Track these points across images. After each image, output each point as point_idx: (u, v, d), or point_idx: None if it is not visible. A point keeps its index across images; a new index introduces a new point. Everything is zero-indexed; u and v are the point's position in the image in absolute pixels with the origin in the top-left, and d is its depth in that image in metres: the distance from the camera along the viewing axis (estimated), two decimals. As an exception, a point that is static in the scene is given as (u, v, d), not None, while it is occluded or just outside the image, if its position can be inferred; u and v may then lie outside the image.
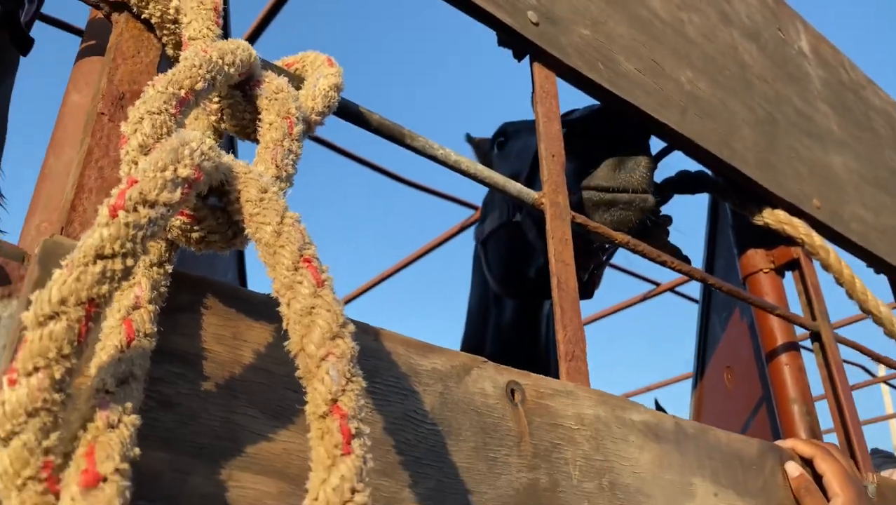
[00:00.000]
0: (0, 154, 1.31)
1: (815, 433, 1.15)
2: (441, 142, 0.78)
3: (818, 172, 1.37)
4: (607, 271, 1.51)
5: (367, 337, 0.57)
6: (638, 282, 3.60)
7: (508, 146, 1.53)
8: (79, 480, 0.35)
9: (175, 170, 0.39)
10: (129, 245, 0.37)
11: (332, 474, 0.37)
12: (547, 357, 1.59)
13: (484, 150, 1.72)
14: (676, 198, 1.38)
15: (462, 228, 2.86)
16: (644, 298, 3.67)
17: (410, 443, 0.55)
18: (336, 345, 0.39)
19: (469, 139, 1.76)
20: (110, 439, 0.37)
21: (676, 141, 1.11)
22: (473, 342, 1.68)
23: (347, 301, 3.32)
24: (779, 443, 0.93)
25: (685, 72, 1.16)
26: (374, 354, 0.56)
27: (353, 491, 0.37)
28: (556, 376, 0.79)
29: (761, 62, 1.39)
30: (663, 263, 0.96)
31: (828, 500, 0.88)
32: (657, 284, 3.56)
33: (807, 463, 0.93)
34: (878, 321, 1.26)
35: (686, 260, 1.30)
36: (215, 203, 0.47)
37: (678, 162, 1.84)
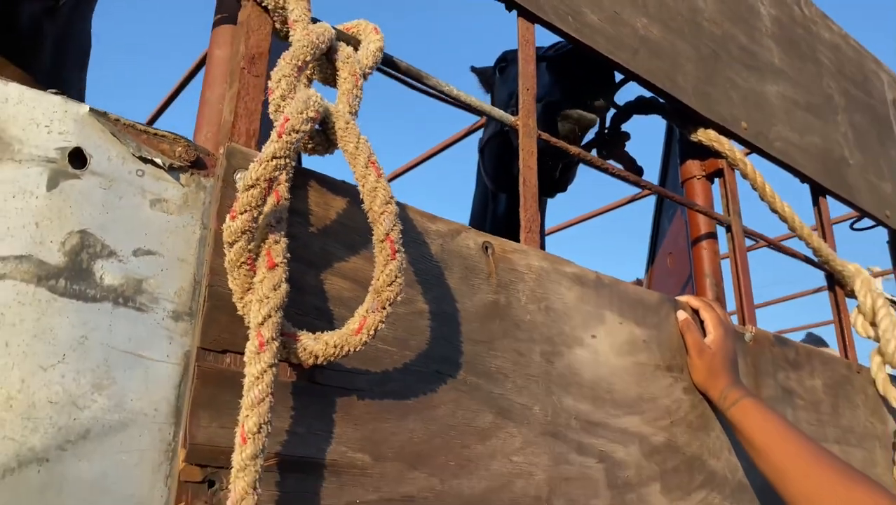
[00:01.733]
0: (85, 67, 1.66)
1: (719, 299, 1.55)
2: (439, 76, 1.14)
3: (751, 99, 1.71)
4: (608, 178, 1.89)
5: (399, 207, 0.95)
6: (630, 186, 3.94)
7: (508, 70, 1.87)
8: (265, 265, 0.74)
9: (307, 112, 0.76)
10: (286, 152, 0.74)
11: (385, 268, 0.76)
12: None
13: (487, 75, 2.05)
14: (649, 117, 1.74)
15: (469, 132, 3.19)
16: (632, 200, 4.02)
17: (423, 271, 0.94)
18: (389, 206, 0.77)
19: (473, 69, 2.09)
20: (278, 245, 0.75)
21: (629, 75, 1.45)
22: (473, 226, 2.07)
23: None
24: (677, 298, 1.33)
25: (640, 19, 1.48)
26: (401, 218, 0.94)
27: (397, 277, 0.76)
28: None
29: (713, 5, 1.70)
30: (604, 171, 1.33)
31: (704, 337, 1.29)
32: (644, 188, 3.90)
33: (696, 314, 1.33)
34: (782, 218, 1.64)
35: (639, 169, 1.67)
36: (318, 128, 0.83)
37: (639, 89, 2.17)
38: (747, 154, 1.79)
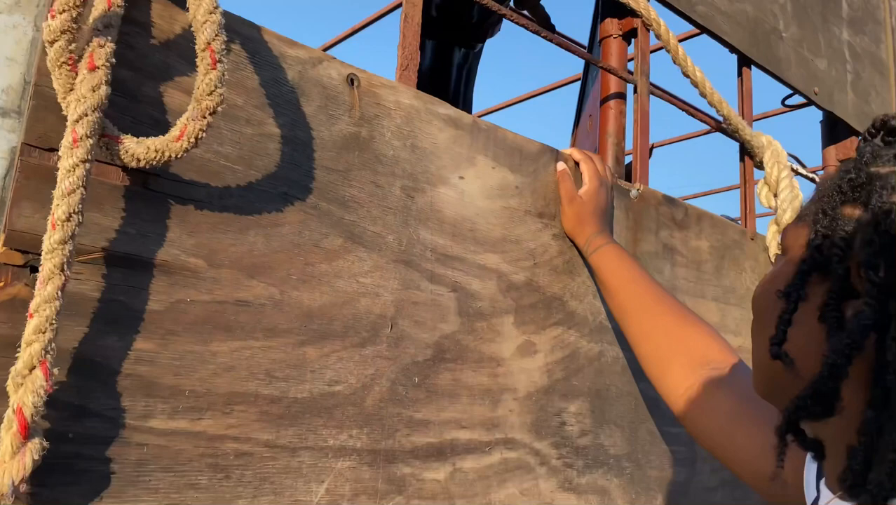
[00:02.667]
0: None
1: (618, 159, 1.59)
2: None
3: (679, -42, 1.67)
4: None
5: (253, 29, 0.96)
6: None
7: None
8: (86, 66, 0.76)
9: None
10: (105, -47, 0.75)
11: (206, 77, 0.78)
12: (455, 101, 2.00)
13: None
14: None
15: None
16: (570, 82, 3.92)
17: (276, 95, 0.97)
18: (212, 16, 0.79)
19: None
20: (102, 49, 0.77)
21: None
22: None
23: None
24: (561, 150, 1.36)
25: None
26: (256, 41, 0.96)
27: (217, 87, 0.79)
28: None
29: None
30: (504, 16, 1.32)
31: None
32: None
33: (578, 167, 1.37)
34: (693, 83, 1.65)
35: (552, 27, 1.66)
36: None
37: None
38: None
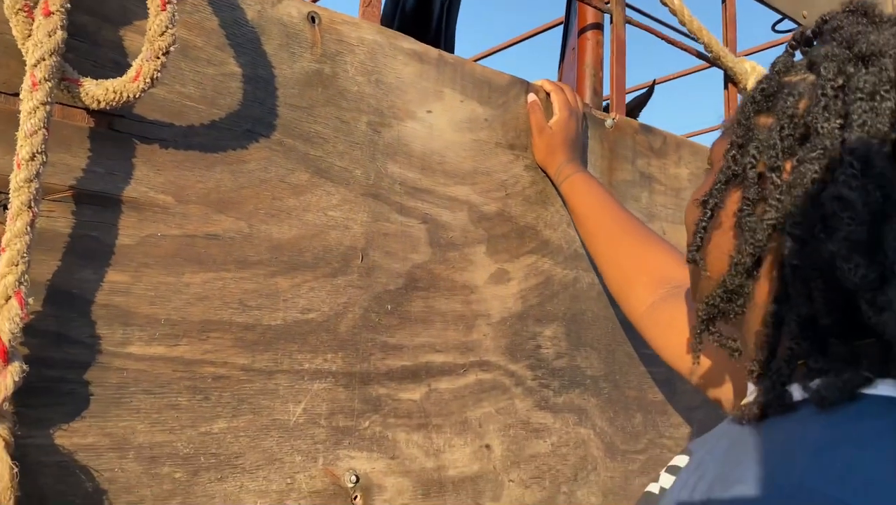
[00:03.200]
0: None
1: (596, 91, 1.60)
2: None
3: None
4: None
5: (209, -29, 0.98)
6: None
7: None
8: (42, 12, 0.80)
9: None
10: None
11: (156, 19, 0.81)
12: (436, 42, 2.00)
13: None
14: None
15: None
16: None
17: (236, 35, 0.99)
18: (158, -42, 0.81)
19: None
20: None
21: None
22: (385, 24, 2.08)
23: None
24: (532, 82, 1.38)
25: None
26: (213, -18, 0.98)
27: (168, 27, 0.82)
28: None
29: None
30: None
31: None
32: None
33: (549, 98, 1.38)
34: (672, 11, 1.64)
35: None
36: None
37: None
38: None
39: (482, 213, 1.25)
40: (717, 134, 0.77)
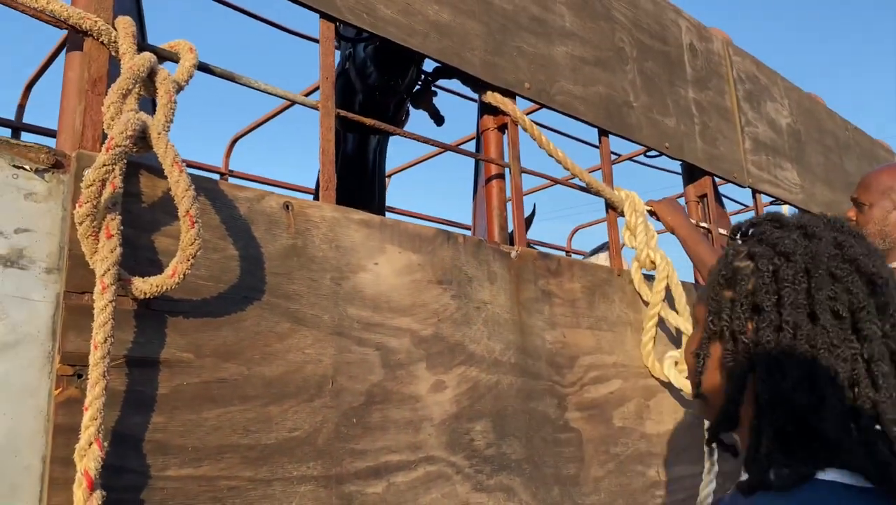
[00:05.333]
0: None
1: (501, 227, 2.01)
2: (262, 73, 1.50)
3: (537, 62, 2.11)
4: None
5: (213, 183, 1.34)
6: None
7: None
8: (105, 235, 1.13)
9: (126, 132, 1.13)
10: (113, 161, 1.12)
11: (187, 234, 1.16)
12: (372, 178, 2.41)
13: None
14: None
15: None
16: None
17: (233, 227, 1.34)
18: (188, 192, 1.16)
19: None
20: (113, 221, 1.14)
21: (424, 55, 1.84)
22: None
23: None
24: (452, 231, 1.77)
25: (432, 6, 1.85)
26: (215, 191, 1.34)
27: (196, 239, 1.16)
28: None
29: (506, -16, 2.07)
30: (394, 133, 1.73)
31: (472, 257, 1.74)
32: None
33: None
34: (557, 161, 2.09)
35: (441, 118, 2.09)
36: (141, 136, 1.21)
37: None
38: (536, 110, 2.21)
39: (421, 337, 1.61)
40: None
